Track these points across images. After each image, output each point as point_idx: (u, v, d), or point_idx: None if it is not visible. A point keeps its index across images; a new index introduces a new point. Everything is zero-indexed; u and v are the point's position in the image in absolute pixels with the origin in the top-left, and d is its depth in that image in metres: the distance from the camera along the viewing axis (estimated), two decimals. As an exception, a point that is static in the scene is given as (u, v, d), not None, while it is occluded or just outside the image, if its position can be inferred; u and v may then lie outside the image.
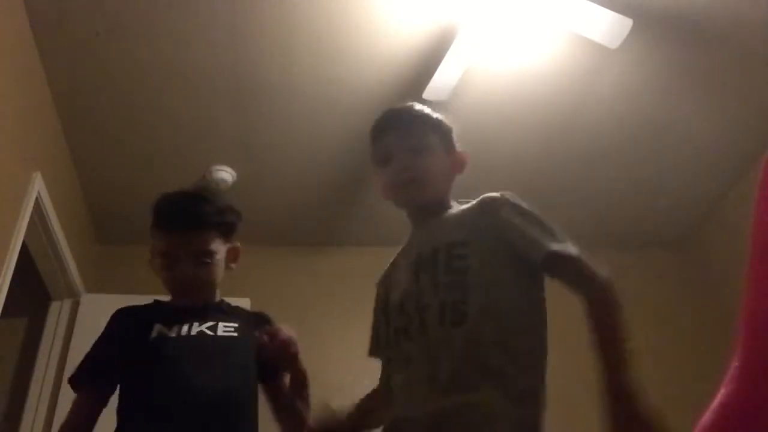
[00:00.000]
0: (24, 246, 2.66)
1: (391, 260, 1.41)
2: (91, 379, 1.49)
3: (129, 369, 1.46)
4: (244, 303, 1.67)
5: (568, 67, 2.78)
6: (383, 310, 1.32)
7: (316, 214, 3.56)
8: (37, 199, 2.65)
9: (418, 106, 1.42)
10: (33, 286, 3.17)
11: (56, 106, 2.86)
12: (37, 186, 2.65)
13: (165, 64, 2.72)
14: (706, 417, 0.60)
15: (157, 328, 1.47)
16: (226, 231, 1.58)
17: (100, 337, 1.54)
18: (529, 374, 1.13)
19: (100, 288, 3.47)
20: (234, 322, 1.53)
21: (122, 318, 1.55)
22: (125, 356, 1.46)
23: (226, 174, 3.28)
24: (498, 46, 2.64)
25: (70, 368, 3.11)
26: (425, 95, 2.65)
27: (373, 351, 1.37)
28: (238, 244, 1.63)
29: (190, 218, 1.52)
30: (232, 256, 1.61)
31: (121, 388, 1.46)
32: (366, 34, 2.62)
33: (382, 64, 2.74)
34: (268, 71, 2.76)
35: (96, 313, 3.34)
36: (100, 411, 1.48)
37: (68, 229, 3.06)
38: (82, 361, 1.51)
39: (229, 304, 1.62)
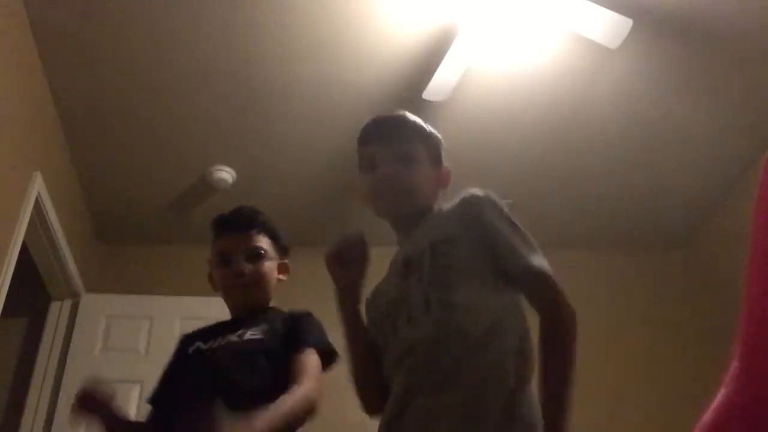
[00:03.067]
0: (24, 246, 2.66)
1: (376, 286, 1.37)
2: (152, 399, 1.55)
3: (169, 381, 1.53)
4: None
5: (568, 67, 2.78)
6: (375, 325, 1.27)
7: (316, 214, 3.56)
8: (37, 199, 2.65)
9: (409, 116, 1.37)
10: (33, 286, 3.17)
11: (56, 106, 2.86)
12: (37, 186, 2.65)
13: (165, 65, 2.72)
14: (706, 416, 0.60)
15: (197, 344, 1.54)
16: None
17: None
18: (508, 376, 1.09)
19: (100, 288, 3.47)
20: (269, 324, 1.55)
21: (182, 340, 1.62)
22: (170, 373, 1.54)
23: (226, 174, 3.28)
24: (498, 46, 2.64)
25: (70, 368, 3.13)
26: (425, 95, 2.65)
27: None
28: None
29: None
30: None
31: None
32: (366, 34, 2.62)
33: (382, 64, 2.74)
34: (268, 72, 2.77)
35: (96, 313, 3.38)
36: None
37: (68, 229, 3.06)
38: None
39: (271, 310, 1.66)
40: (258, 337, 1.51)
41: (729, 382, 0.59)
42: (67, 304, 3.35)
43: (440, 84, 2.59)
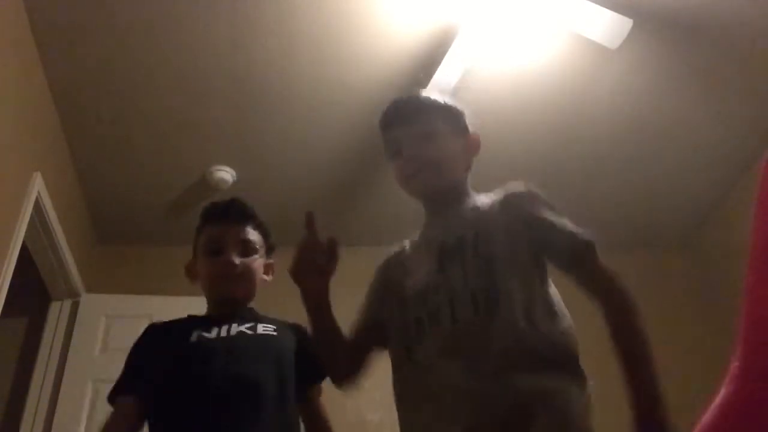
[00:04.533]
0: (24, 246, 2.66)
1: (398, 248, 1.40)
2: (131, 389, 1.43)
3: (169, 376, 1.41)
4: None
5: (568, 67, 2.78)
6: (396, 297, 1.29)
7: (316, 213, 3.55)
8: (37, 199, 2.65)
9: (424, 94, 1.43)
10: (33, 286, 3.17)
11: (56, 106, 2.85)
12: (37, 186, 2.65)
13: (165, 65, 2.72)
14: (707, 417, 0.60)
15: (196, 333, 1.45)
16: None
17: (134, 350, 1.51)
18: (568, 356, 1.15)
19: (100, 288, 3.47)
20: (271, 324, 1.53)
21: (155, 332, 1.53)
22: (164, 365, 1.42)
23: (226, 174, 3.28)
24: (498, 46, 2.64)
25: (70, 368, 3.13)
26: (425, 95, 2.65)
27: (362, 328, 1.35)
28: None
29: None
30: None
31: (157, 393, 1.41)
32: (366, 34, 2.62)
33: (382, 64, 2.74)
34: (268, 71, 2.76)
35: (96, 313, 3.38)
36: (139, 426, 1.42)
37: (68, 229, 3.05)
38: (121, 376, 1.47)
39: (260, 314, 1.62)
40: (272, 333, 1.49)
41: (729, 382, 0.59)
42: (67, 304, 3.35)
43: (440, 84, 2.59)
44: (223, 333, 1.46)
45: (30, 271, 2.98)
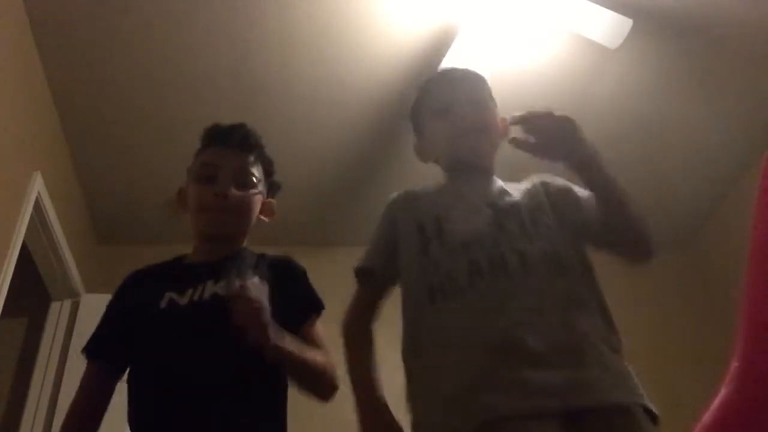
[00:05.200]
0: (24, 246, 2.66)
1: (411, 194, 1.41)
2: (98, 352, 1.37)
3: (138, 342, 1.30)
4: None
5: (568, 67, 2.78)
6: (423, 232, 1.30)
7: (316, 214, 3.55)
8: (37, 199, 2.65)
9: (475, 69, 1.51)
10: (33, 286, 3.17)
11: (56, 106, 2.86)
12: (37, 186, 2.65)
13: (165, 65, 2.72)
14: (707, 417, 0.60)
15: (168, 297, 1.30)
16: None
17: (110, 304, 1.44)
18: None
19: (100, 288, 3.46)
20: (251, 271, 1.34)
21: (131, 284, 1.43)
22: (134, 328, 1.31)
23: (226, 174, 3.28)
24: (498, 46, 2.64)
25: (70, 368, 3.13)
26: (425, 95, 2.65)
27: (379, 265, 1.39)
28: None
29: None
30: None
31: (132, 361, 1.32)
32: (366, 34, 2.62)
33: (382, 64, 2.74)
34: (268, 72, 2.77)
35: (96, 313, 3.35)
36: (109, 387, 1.35)
37: (68, 229, 3.05)
38: (96, 330, 1.41)
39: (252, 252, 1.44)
40: None
41: (729, 382, 0.59)
42: (67, 304, 3.35)
43: (440, 84, 2.59)
44: (196, 296, 1.29)
45: (30, 271, 2.98)
